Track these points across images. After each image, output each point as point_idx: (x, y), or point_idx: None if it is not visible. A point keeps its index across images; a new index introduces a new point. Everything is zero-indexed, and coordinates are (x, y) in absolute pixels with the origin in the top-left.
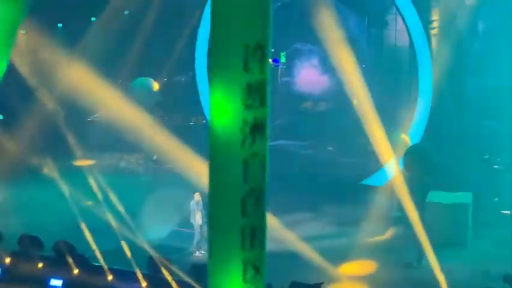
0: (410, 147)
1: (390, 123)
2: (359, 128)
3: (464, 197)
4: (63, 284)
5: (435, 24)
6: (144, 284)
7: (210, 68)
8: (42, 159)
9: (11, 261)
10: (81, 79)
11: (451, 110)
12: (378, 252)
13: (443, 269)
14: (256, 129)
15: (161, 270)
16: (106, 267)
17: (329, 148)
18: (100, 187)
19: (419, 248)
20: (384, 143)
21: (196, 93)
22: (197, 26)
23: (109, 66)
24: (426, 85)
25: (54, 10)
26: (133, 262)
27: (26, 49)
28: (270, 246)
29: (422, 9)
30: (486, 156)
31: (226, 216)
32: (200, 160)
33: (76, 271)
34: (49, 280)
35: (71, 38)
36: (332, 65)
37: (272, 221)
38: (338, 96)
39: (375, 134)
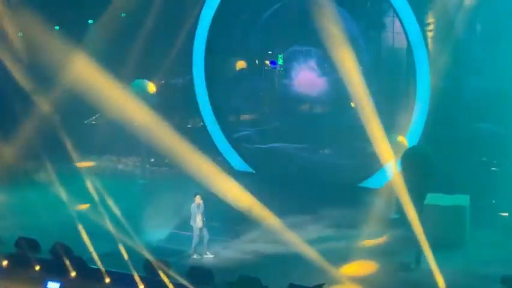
0: (407, 149)
1: (388, 126)
2: (357, 130)
3: (461, 200)
4: (60, 286)
5: (432, 26)
6: (141, 286)
7: None
8: (40, 162)
9: (8, 263)
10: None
11: (449, 112)
12: (376, 254)
13: (441, 271)
14: None
15: (159, 273)
16: (103, 269)
17: (326, 150)
18: (98, 190)
19: (417, 250)
20: (384, 144)
21: (193, 96)
22: (194, 28)
23: (106, 68)
24: (423, 87)
25: (52, 12)
26: (130, 265)
27: (22, 51)
28: (269, 248)
29: (419, 12)
30: (484, 159)
31: None
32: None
33: (73, 274)
34: (46, 282)
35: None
36: (330, 67)
37: (275, 223)
38: (336, 98)
39: (376, 135)
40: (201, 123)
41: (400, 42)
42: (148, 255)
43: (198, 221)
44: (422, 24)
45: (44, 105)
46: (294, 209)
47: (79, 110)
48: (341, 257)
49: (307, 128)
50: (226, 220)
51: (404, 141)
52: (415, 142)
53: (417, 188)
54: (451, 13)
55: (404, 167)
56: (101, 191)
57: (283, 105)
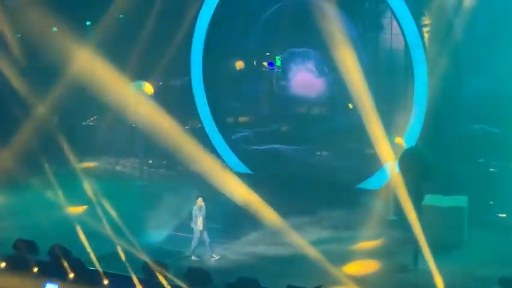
0: (405, 150)
1: (386, 127)
2: (355, 131)
3: (459, 201)
4: None
5: (430, 27)
6: None
7: None
8: (38, 164)
9: (6, 265)
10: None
11: (447, 113)
12: (374, 255)
13: (439, 272)
14: None
15: (157, 274)
16: (101, 271)
17: (324, 152)
18: (96, 191)
19: (415, 251)
20: (384, 144)
21: (191, 97)
22: (192, 29)
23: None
24: (421, 88)
25: (49, 14)
26: (128, 266)
27: (20, 53)
28: (267, 249)
29: (417, 12)
30: (482, 160)
31: None
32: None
33: (71, 275)
34: (45, 285)
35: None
36: (327, 69)
37: (274, 224)
38: (334, 99)
39: (375, 136)
40: (199, 125)
41: (398, 44)
42: (146, 257)
43: (199, 224)
44: (420, 25)
45: (42, 106)
46: (292, 210)
47: (77, 111)
48: (339, 258)
49: (305, 130)
50: (225, 222)
51: (401, 142)
52: (413, 143)
53: (415, 189)
54: (449, 14)
55: (402, 168)
56: (99, 192)
57: (281, 107)
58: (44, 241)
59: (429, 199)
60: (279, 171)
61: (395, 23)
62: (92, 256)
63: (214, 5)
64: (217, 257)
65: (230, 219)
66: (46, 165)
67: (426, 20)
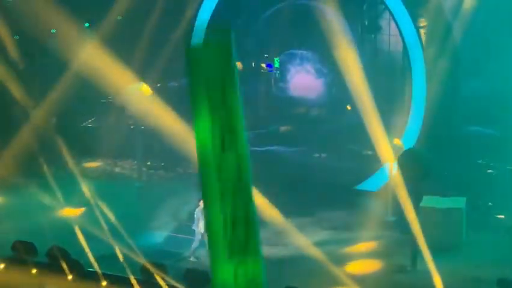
0: (403, 151)
1: (384, 128)
2: (354, 132)
3: (458, 202)
4: None
5: (428, 28)
6: None
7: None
8: (37, 165)
9: (4, 267)
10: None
11: (445, 114)
12: (373, 256)
13: (437, 273)
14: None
15: (155, 275)
16: (100, 272)
17: (323, 153)
18: (94, 193)
19: (413, 252)
20: (384, 145)
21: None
22: (191, 30)
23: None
24: (419, 89)
25: (48, 15)
26: (127, 268)
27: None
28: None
29: (415, 13)
30: (480, 161)
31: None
32: None
33: (70, 277)
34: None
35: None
36: (326, 70)
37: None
38: (332, 101)
39: (376, 136)
40: None
41: (396, 45)
42: (144, 258)
43: (200, 226)
44: (418, 27)
45: (40, 108)
46: (290, 211)
47: (75, 113)
48: (338, 259)
49: (304, 131)
50: None
51: (400, 144)
52: (411, 145)
53: (414, 190)
54: (447, 15)
55: (400, 169)
56: (97, 194)
57: (279, 108)
58: (43, 242)
59: (427, 200)
60: (278, 173)
61: (393, 24)
62: (91, 257)
63: (213, 7)
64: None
65: None
66: (44, 167)
67: (424, 21)
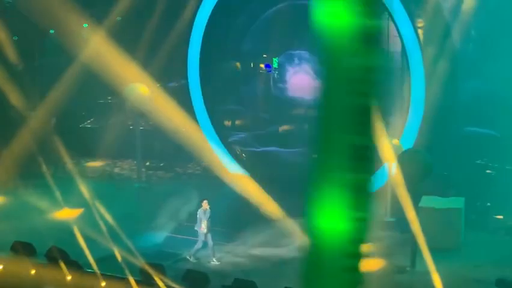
0: (402, 152)
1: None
2: None
3: (456, 202)
4: None
5: (426, 29)
6: None
7: None
8: (36, 166)
9: (3, 268)
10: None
11: (444, 115)
12: (371, 257)
13: (436, 274)
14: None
15: (154, 276)
16: (99, 273)
17: None
18: (93, 193)
19: (412, 253)
20: (385, 145)
21: (188, 99)
22: (189, 31)
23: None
24: (418, 90)
25: (46, 15)
26: (126, 269)
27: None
28: (264, 251)
29: (414, 15)
30: (478, 161)
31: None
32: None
33: (69, 277)
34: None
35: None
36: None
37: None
38: None
39: (377, 136)
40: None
41: (395, 45)
42: (143, 259)
43: (203, 227)
44: (417, 27)
45: (39, 109)
46: (289, 212)
47: (74, 113)
48: None
49: (303, 131)
50: (222, 223)
51: (398, 144)
52: (410, 145)
53: (412, 190)
54: (446, 16)
55: (399, 170)
56: (97, 194)
57: (278, 109)
58: (42, 243)
59: (426, 200)
60: (277, 173)
61: (392, 25)
62: (90, 258)
63: (212, 7)
64: (217, 262)
65: (226, 221)
66: (44, 168)
67: (423, 22)
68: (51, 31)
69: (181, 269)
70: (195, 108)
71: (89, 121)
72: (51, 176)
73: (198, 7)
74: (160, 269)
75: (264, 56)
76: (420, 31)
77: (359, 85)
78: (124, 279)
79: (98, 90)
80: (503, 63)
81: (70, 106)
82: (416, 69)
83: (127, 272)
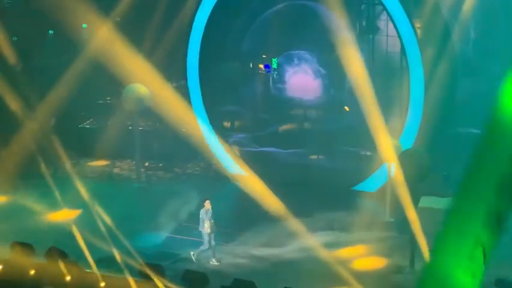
0: (402, 152)
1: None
2: (352, 133)
3: None
4: None
5: (425, 29)
6: None
7: None
8: (35, 167)
9: (2, 268)
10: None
11: (443, 115)
12: (371, 257)
13: None
14: None
15: (153, 277)
16: (98, 274)
17: (320, 154)
18: (93, 194)
19: (411, 253)
20: (385, 145)
21: (187, 100)
22: (189, 32)
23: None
24: (417, 90)
25: (45, 16)
26: (125, 269)
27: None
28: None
29: (413, 15)
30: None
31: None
32: None
33: (68, 278)
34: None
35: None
36: (324, 71)
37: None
38: (330, 102)
39: (376, 136)
40: None
41: (394, 45)
42: (143, 259)
43: (206, 227)
44: (415, 27)
45: (39, 109)
46: (289, 212)
47: (74, 113)
48: (336, 260)
49: (302, 132)
50: (221, 224)
51: (398, 144)
52: (409, 145)
53: (411, 190)
54: (445, 15)
55: (399, 169)
56: (96, 195)
57: (277, 109)
58: (41, 243)
59: (425, 201)
60: (276, 174)
61: (390, 25)
62: (89, 259)
63: (211, 7)
64: (216, 263)
65: (226, 221)
66: (43, 168)
67: (422, 22)
68: (51, 32)
69: (180, 269)
70: (193, 108)
71: (88, 121)
72: (51, 176)
73: (197, 7)
74: (159, 269)
75: (264, 56)
76: (418, 30)
77: None
78: (124, 279)
79: (97, 91)
80: (505, 63)
81: (70, 106)
82: (415, 69)
83: (126, 272)
